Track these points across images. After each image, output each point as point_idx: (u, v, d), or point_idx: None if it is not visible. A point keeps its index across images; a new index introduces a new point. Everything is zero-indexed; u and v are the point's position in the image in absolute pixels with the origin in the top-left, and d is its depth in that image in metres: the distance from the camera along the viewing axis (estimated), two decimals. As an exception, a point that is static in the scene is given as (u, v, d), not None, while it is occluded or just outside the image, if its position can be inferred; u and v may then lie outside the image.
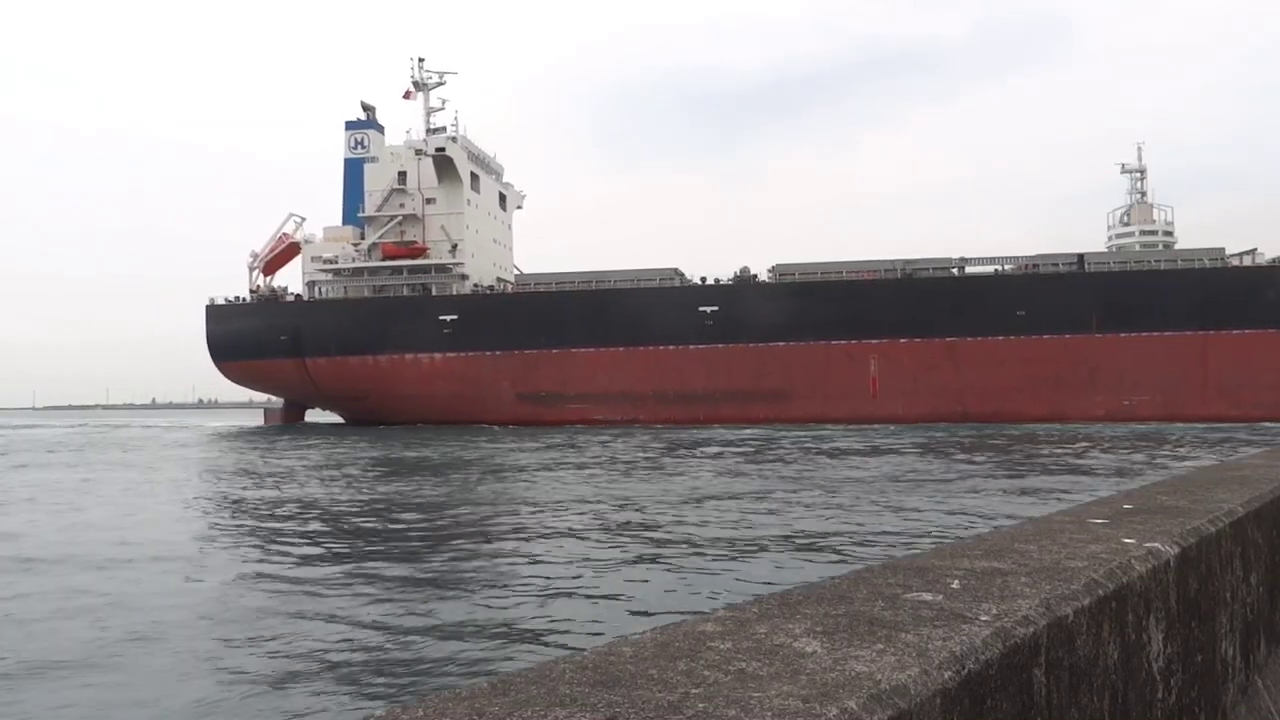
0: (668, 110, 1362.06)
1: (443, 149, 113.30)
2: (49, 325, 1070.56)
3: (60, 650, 14.16)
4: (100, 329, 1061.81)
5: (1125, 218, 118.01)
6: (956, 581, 3.45)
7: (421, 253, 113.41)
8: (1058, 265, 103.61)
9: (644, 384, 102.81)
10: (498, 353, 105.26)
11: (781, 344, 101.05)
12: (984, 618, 2.93)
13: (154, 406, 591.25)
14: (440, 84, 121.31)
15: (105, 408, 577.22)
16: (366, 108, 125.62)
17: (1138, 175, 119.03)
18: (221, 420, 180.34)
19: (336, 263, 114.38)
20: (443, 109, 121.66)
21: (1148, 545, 4.30)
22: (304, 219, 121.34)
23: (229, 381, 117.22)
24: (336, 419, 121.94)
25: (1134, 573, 3.88)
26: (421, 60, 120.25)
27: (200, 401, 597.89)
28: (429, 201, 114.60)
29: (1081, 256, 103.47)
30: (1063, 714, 3.14)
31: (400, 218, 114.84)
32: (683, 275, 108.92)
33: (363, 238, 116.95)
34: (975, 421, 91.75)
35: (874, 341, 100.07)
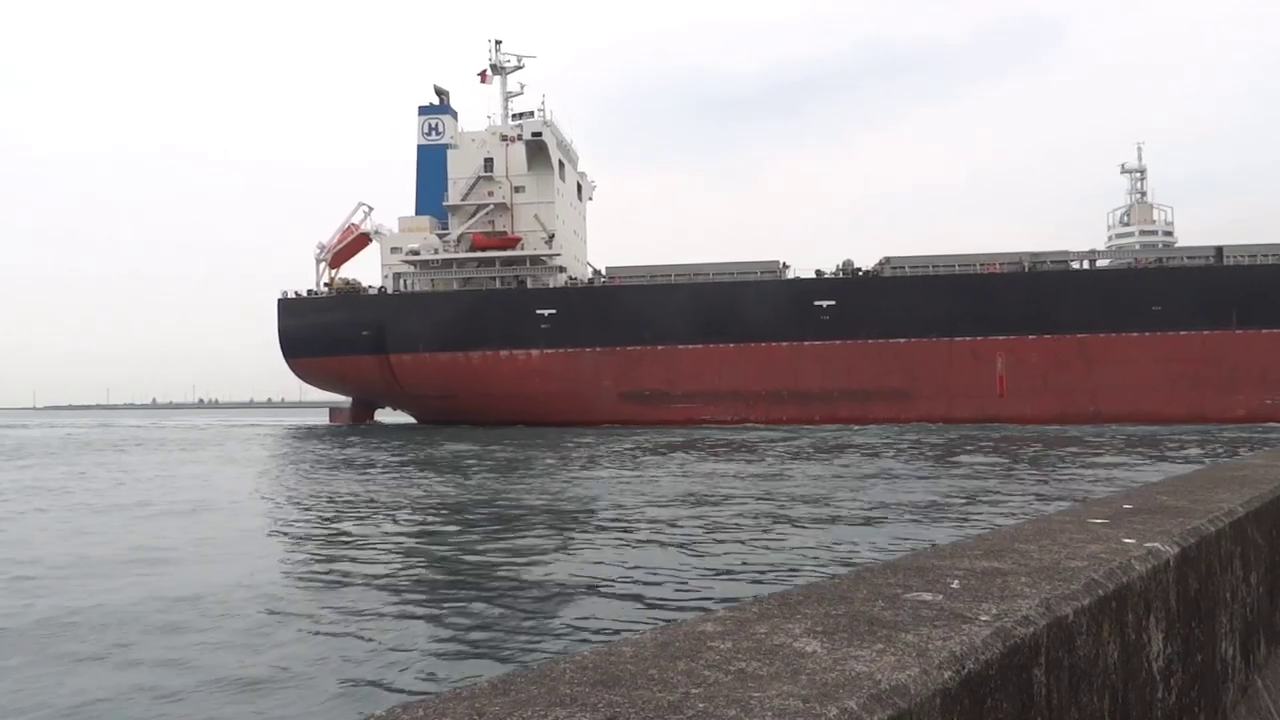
0: (668, 115, 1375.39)
1: (539, 134, 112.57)
2: (49, 326, 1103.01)
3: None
4: (99, 329, 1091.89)
5: (1125, 218, 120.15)
6: (956, 581, 3.57)
7: (514, 243, 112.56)
8: (1191, 258, 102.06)
9: (756, 382, 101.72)
10: (599, 349, 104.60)
11: (902, 340, 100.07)
12: (984, 618, 3.04)
13: (155, 406, 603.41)
14: (519, 67, 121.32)
15: (105, 408, 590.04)
16: (440, 92, 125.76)
17: (1138, 175, 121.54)
18: (283, 418, 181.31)
19: (420, 254, 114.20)
20: (521, 93, 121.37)
21: (1148, 545, 4.40)
22: (371, 208, 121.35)
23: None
24: (406, 419, 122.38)
25: (1134, 573, 3.98)
26: (499, 43, 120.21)
27: (201, 401, 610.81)
28: (517, 190, 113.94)
29: (1220, 249, 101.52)
30: (1063, 714, 3.24)
31: (490, 206, 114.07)
32: (781, 267, 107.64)
33: (444, 227, 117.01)
34: (1108, 423, 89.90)
35: (1000, 338, 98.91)
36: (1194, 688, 4.82)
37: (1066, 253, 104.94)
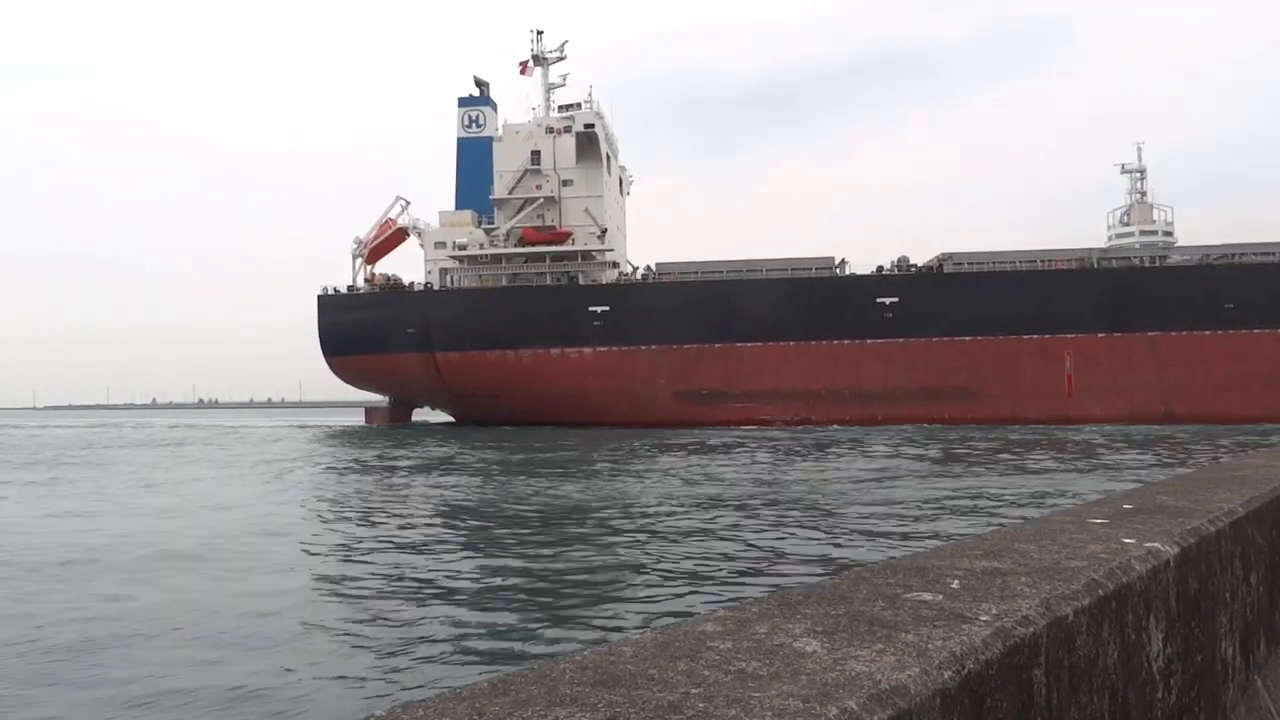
0: (669, 115, 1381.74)
1: (591, 125, 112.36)
2: (48, 325, 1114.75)
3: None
4: (99, 329, 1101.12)
5: (1125, 218, 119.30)
6: (956, 581, 3.64)
7: (565, 238, 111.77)
8: (1261, 255, 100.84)
9: (817, 381, 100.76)
10: (653, 347, 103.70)
11: (968, 338, 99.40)
12: (984, 618, 3.11)
13: (155, 406, 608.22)
14: (561, 58, 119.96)
15: (105, 407, 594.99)
16: (480, 83, 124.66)
17: (1138, 175, 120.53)
18: (310, 419, 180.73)
19: (467, 249, 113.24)
20: (563, 85, 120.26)
21: (1148, 545, 4.46)
22: (409, 202, 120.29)
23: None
24: (445, 418, 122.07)
25: (1134, 573, 4.05)
26: (540, 33, 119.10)
27: (201, 402, 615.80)
28: (565, 183, 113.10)
29: None
30: (1063, 714, 3.30)
31: (539, 200, 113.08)
32: (837, 263, 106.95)
33: (487, 221, 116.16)
34: (1179, 423, 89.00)
35: (1068, 336, 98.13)
36: (1194, 688, 4.88)
37: (1131, 248, 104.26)
